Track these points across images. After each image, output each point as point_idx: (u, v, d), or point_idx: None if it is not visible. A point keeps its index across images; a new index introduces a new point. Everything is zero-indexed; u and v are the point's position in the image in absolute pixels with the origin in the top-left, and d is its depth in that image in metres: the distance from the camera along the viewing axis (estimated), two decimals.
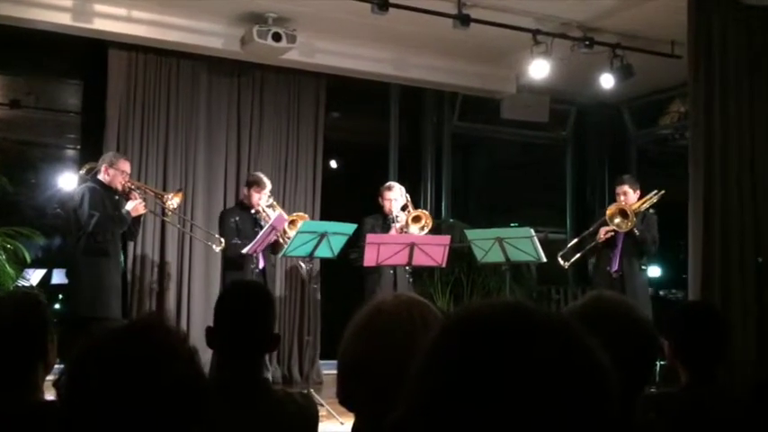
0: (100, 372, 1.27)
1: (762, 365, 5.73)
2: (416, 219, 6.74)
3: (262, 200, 6.51)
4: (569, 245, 6.89)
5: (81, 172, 6.54)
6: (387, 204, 6.74)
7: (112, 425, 1.25)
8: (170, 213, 6.62)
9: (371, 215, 6.83)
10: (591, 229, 6.82)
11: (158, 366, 1.29)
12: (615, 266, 6.66)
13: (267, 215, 6.49)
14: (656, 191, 6.78)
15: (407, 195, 6.90)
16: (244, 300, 2.44)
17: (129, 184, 6.21)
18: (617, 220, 6.56)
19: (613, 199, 6.87)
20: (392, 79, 8.26)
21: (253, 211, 6.52)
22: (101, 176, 6.14)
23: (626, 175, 7.09)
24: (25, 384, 2.12)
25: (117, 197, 6.16)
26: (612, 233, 6.62)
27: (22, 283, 6.45)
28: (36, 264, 6.92)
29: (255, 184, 6.53)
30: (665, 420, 1.91)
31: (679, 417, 2.33)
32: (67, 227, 6.15)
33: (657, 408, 2.24)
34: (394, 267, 6.53)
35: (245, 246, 6.26)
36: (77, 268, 6.02)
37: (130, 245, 7.14)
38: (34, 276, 7.07)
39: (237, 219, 6.47)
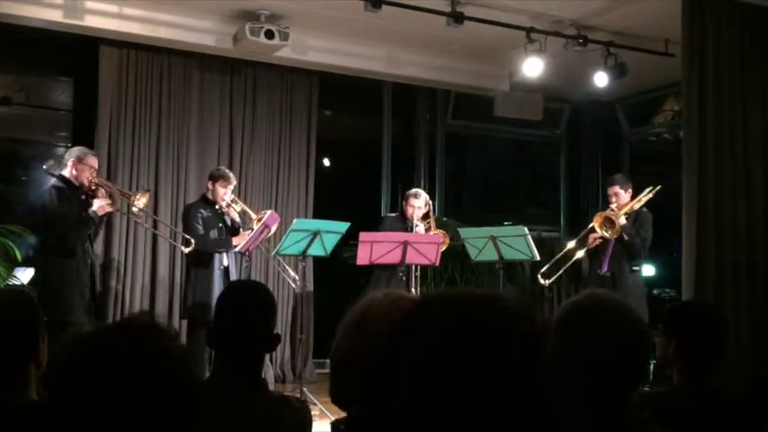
0: (90, 371, 1.26)
1: (755, 364, 5.74)
2: None
3: (227, 195, 6.42)
4: (549, 264, 6.77)
5: (45, 166, 6.22)
6: (409, 210, 6.77)
7: (103, 425, 1.23)
8: (137, 212, 6.33)
9: (393, 213, 6.83)
10: (580, 236, 6.79)
11: (149, 365, 1.27)
12: (605, 269, 6.65)
13: (233, 210, 6.43)
14: (650, 188, 6.74)
15: (431, 203, 6.94)
16: (244, 300, 2.42)
17: (95, 180, 6.00)
18: (605, 227, 6.55)
19: (606, 198, 6.87)
20: (385, 77, 8.25)
21: (217, 207, 6.42)
22: (66, 172, 5.93)
23: (617, 175, 7.07)
24: (17, 383, 2.10)
25: (83, 196, 5.97)
26: (601, 239, 6.60)
27: (12, 281, 6.40)
28: (27, 262, 6.86)
29: (222, 178, 6.41)
30: (659, 419, 1.89)
31: (674, 415, 2.32)
32: (35, 225, 5.85)
33: (652, 406, 2.23)
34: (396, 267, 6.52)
35: (217, 244, 6.27)
36: (42, 268, 5.80)
37: (125, 243, 7.14)
38: (25, 275, 7.02)
39: (204, 213, 6.37)
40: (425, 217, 6.87)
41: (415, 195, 6.83)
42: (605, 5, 6.72)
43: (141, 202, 6.20)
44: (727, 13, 6.20)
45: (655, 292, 9.45)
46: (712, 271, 6.02)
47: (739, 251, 6.09)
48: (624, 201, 6.67)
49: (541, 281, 6.72)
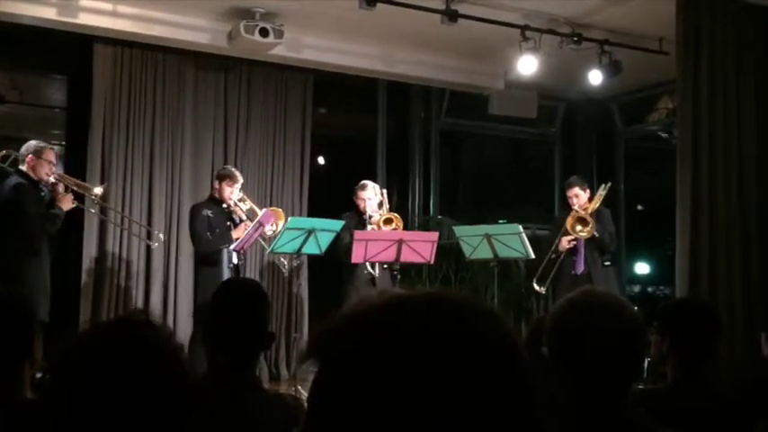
0: (85, 369, 1.26)
1: (749, 362, 5.75)
2: (388, 221, 6.69)
3: (234, 194, 6.41)
4: (540, 269, 6.85)
5: None
6: (361, 204, 6.69)
7: (98, 423, 1.23)
8: (95, 201, 6.32)
9: (347, 213, 6.78)
10: (554, 245, 6.84)
11: (144, 363, 1.27)
12: (580, 269, 6.80)
13: (240, 209, 6.42)
14: (603, 185, 6.98)
15: (384, 191, 6.88)
16: (239, 298, 2.42)
17: (54, 175, 5.83)
18: (578, 228, 6.70)
19: (567, 200, 6.97)
20: (380, 75, 8.25)
21: (224, 206, 6.40)
22: (24, 167, 5.72)
23: (573, 177, 7.19)
24: (12, 382, 2.10)
25: (42, 193, 5.81)
26: (575, 241, 6.74)
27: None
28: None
29: (228, 177, 6.39)
30: (654, 416, 1.90)
31: (668, 413, 2.32)
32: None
33: (646, 404, 2.24)
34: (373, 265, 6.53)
35: (218, 240, 6.23)
36: (6, 269, 5.51)
37: (119, 239, 7.14)
38: None
39: (210, 213, 6.35)
40: (380, 205, 6.75)
41: (362, 188, 6.74)
42: (600, 4, 6.73)
43: (98, 190, 6.21)
44: (721, 10, 6.22)
45: (649, 289, 9.48)
46: (706, 269, 6.04)
47: (733, 248, 6.11)
48: (584, 201, 6.84)
49: (537, 287, 6.86)
